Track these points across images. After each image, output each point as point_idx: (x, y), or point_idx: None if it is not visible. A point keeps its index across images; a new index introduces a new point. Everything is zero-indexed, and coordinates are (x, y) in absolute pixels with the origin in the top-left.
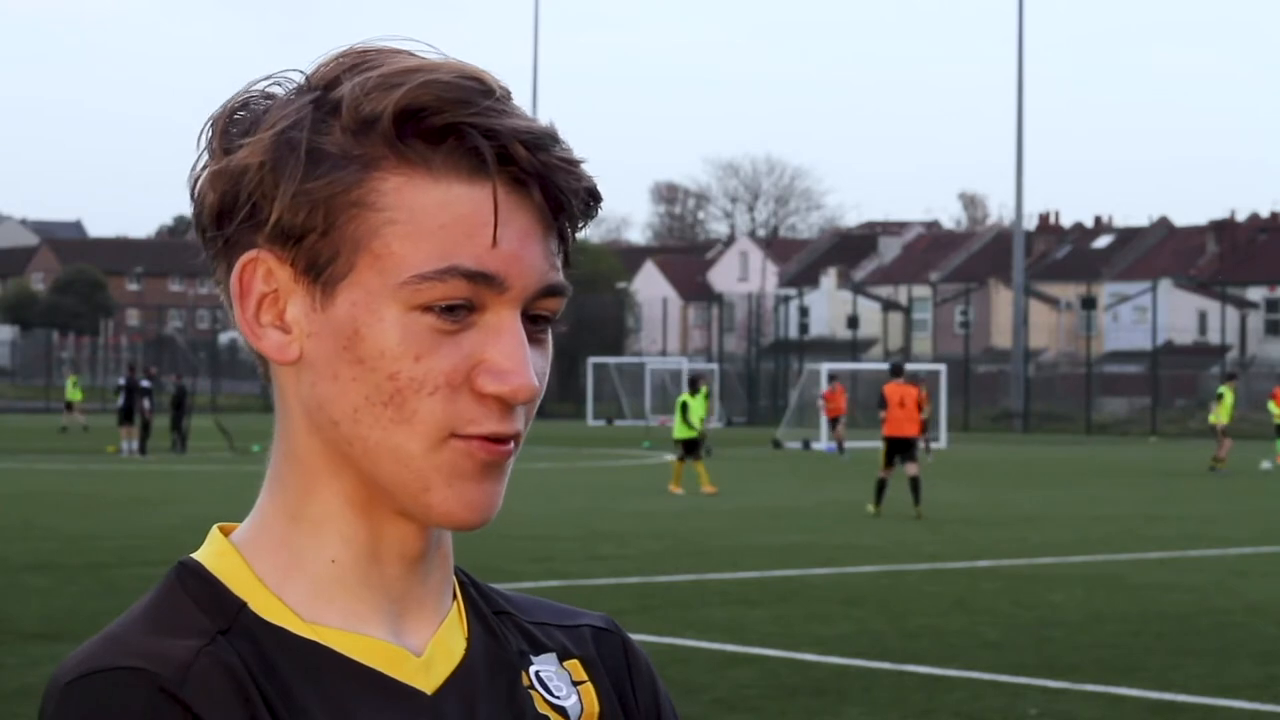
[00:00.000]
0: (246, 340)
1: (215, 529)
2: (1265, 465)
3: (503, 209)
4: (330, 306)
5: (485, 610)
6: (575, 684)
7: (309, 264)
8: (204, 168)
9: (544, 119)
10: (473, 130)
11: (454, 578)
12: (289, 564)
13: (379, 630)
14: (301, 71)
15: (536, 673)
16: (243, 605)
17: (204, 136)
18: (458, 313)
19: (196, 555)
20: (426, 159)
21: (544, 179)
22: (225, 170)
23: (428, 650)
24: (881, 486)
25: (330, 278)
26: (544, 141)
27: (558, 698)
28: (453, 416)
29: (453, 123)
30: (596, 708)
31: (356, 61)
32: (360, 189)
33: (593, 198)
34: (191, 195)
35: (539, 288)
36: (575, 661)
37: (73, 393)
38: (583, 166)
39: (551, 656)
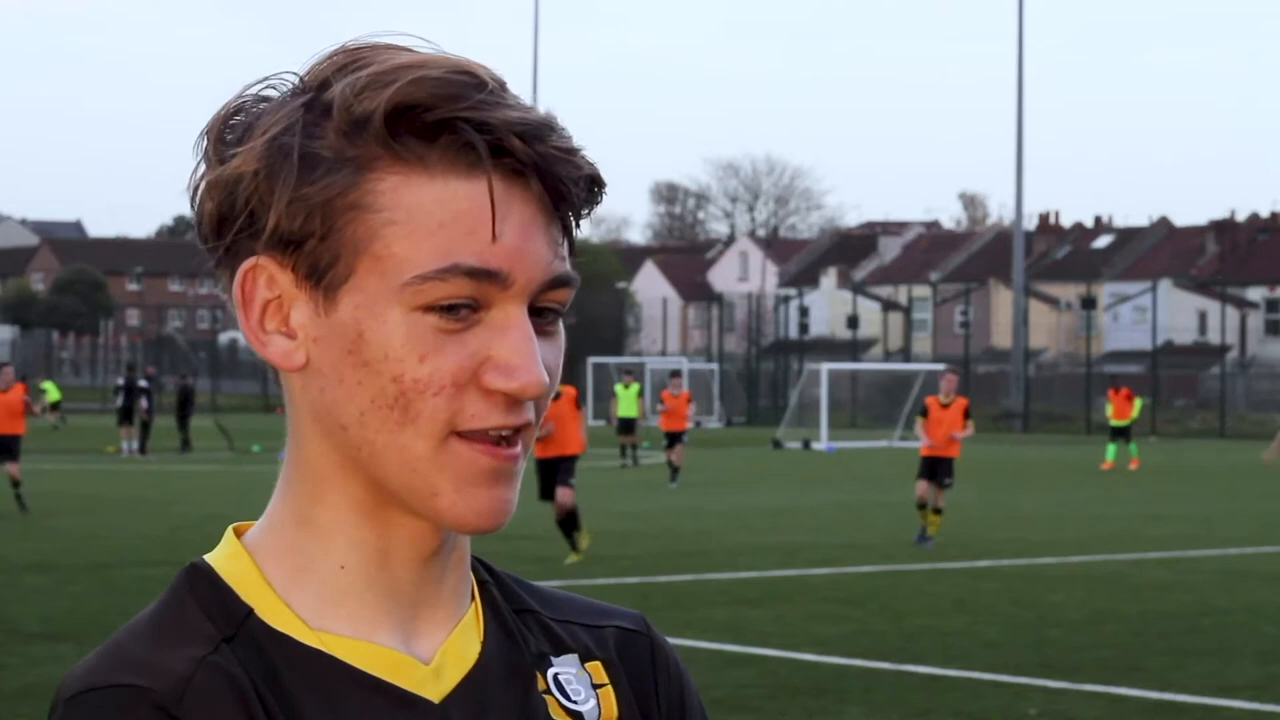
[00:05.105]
0: (253, 348)
1: (230, 529)
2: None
3: (501, 202)
4: (333, 311)
5: (505, 610)
6: (595, 687)
7: (310, 269)
8: (201, 176)
9: (542, 108)
10: (466, 125)
11: (473, 577)
12: (298, 568)
13: (388, 637)
14: (296, 73)
15: (555, 676)
16: (249, 612)
17: (200, 145)
18: (459, 311)
19: (209, 557)
20: (422, 157)
21: (541, 169)
22: (220, 179)
23: (438, 657)
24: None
25: (332, 282)
26: (540, 131)
27: (575, 702)
28: (456, 413)
29: (446, 118)
30: (615, 713)
31: (347, 60)
32: (357, 191)
33: (595, 184)
34: (191, 203)
35: (544, 280)
36: (598, 664)
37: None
38: (582, 154)
39: (573, 658)
